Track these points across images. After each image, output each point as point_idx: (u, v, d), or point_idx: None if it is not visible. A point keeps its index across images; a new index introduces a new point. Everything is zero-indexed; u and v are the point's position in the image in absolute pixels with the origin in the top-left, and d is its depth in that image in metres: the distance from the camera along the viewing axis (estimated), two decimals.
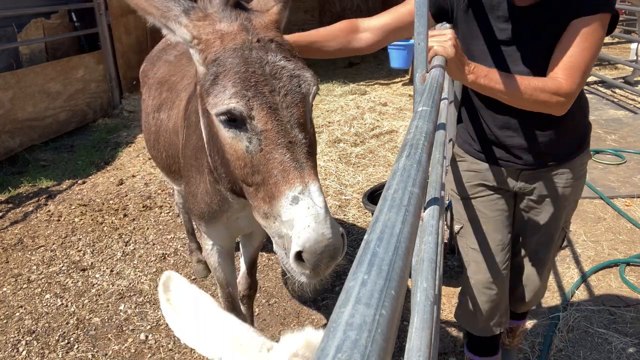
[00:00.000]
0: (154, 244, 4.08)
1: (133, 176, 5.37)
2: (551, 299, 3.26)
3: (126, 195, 4.93)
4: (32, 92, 6.14)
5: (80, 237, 4.20)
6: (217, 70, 1.37)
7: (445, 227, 3.71)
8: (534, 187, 2.08)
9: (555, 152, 1.99)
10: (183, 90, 2.35)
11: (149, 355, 2.94)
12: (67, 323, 3.21)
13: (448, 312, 3.15)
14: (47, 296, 3.46)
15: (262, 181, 1.34)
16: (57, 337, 3.08)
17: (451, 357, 2.83)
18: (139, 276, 3.66)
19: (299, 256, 1.24)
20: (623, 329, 2.99)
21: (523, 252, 2.25)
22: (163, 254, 3.94)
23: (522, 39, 1.80)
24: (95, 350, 2.98)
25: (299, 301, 3.36)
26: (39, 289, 3.54)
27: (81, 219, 4.49)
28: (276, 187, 1.30)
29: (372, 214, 3.64)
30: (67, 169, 5.62)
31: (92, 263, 3.83)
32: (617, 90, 7.84)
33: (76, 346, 3.01)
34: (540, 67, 1.77)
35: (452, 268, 3.60)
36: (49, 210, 4.66)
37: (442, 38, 1.55)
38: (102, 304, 3.38)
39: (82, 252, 3.99)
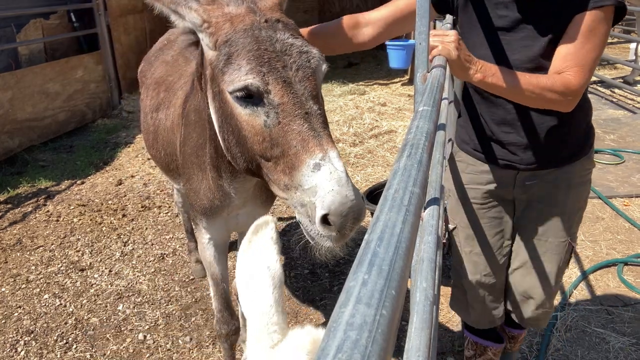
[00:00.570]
0: (152, 244, 4.08)
1: (132, 176, 5.37)
2: None
3: (125, 196, 4.93)
4: (31, 92, 6.13)
5: (79, 237, 4.20)
6: (230, 50, 1.42)
7: (445, 227, 3.71)
8: (532, 191, 2.02)
9: (553, 152, 1.94)
10: (180, 89, 2.37)
11: (147, 355, 2.94)
12: (66, 323, 3.21)
13: (447, 311, 3.16)
14: (46, 296, 3.46)
15: (282, 153, 1.39)
16: (55, 337, 3.07)
17: (449, 357, 2.83)
18: (138, 276, 3.66)
19: (324, 220, 1.28)
20: (621, 328, 2.99)
21: (526, 262, 2.14)
22: (162, 254, 3.94)
23: (521, 26, 1.77)
24: (93, 350, 2.97)
25: (297, 301, 3.36)
26: (38, 289, 3.54)
27: (80, 219, 4.48)
28: (297, 157, 1.35)
29: (372, 213, 3.64)
30: (66, 169, 5.61)
31: (90, 263, 3.83)
32: (616, 90, 7.85)
33: (75, 346, 3.01)
34: (538, 55, 1.75)
35: (450, 268, 3.60)
36: (48, 211, 4.66)
37: (445, 39, 1.54)
38: (100, 304, 3.38)
39: (80, 252, 3.98)
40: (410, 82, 8.52)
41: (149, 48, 3.48)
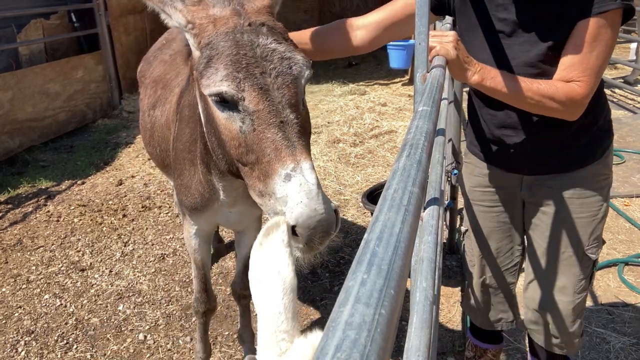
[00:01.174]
0: (153, 244, 4.08)
1: (132, 177, 5.37)
2: None
3: (125, 196, 4.93)
4: (32, 92, 6.13)
5: (80, 237, 4.20)
6: (210, 53, 1.41)
7: (445, 227, 3.71)
8: (540, 197, 1.94)
9: (557, 156, 1.86)
10: (177, 86, 2.39)
11: (148, 355, 2.94)
12: (66, 323, 3.21)
13: (447, 311, 3.16)
14: (46, 296, 3.46)
15: (256, 160, 1.39)
16: (56, 338, 3.08)
17: (450, 357, 2.83)
18: (138, 276, 3.66)
19: (292, 231, 1.27)
20: (621, 328, 2.99)
21: (539, 274, 2.03)
22: (162, 254, 3.94)
23: (520, 30, 1.72)
24: (94, 351, 2.98)
25: (298, 301, 3.36)
26: (38, 290, 3.54)
27: (80, 220, 4.48)
28: (269, 166, 1.34)
29: (372, 213, 3.63)
30: (67, 169, 5.62)
31: (91, 263, 3.83)
32: (616, 90, 7.84)
33: (75, 346, 3.01)
34: (538, 61, 1.70)
35: (451, 268, 3.60)
36: (49, 211, 4.66)
37: (444, 39, 1.53)
38: (101, 304, 3.38)
39: (81, 252, 3.99)
40: (411, 82, 8.52)
41: (150, 48, 3.49)
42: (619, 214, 4.22)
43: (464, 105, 2.41)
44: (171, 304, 3.37)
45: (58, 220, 4.49)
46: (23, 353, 2.97)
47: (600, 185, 1.90)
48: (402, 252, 0.52)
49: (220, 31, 1.43)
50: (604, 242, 2.02)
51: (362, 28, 1.93)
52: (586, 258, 1.93)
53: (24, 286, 3.58)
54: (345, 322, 0.40)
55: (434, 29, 3.97)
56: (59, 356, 2.94)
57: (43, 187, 5.14)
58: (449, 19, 3.20)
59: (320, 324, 3.12)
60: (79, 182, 5.29)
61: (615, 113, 6.88)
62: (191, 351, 2.95)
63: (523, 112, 1.80)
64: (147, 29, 8.07)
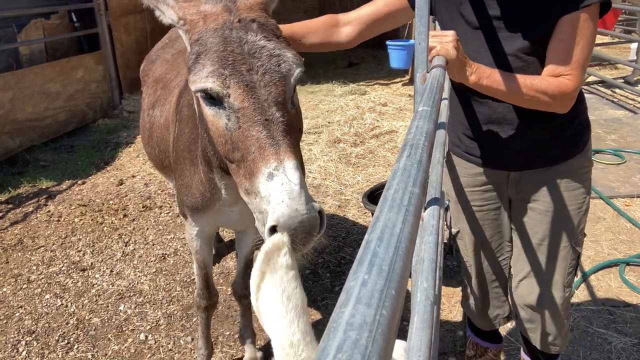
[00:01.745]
0: (153, 244, 4.08)
1: (133, 176, 5.37)
2: None
3: (126, 196, 4.93)
4: (32, 92, 6.13)
5: (80, 237, 4.20)
6: (199, 49, 1.42)
7: (445, 227, 3.71)
8: (526, 192, 1.98)
9: (542, 150, 1.91)
10: (176, 87, 2.39)
11: (149, 355, 2.94)
12: (67, 323, 3.21)
13: (448, 312, 3.16)
14: (47, 296, 3.46)
15: (242, 158, 1.38)
16: (57, 337, 3.08)
17: (451, 357, 2.83)
18: (139, 276, 3.66)
19: (273, 230, 1.26)
20: (623, 328, 2.99)
21: (529, 271, 2.05)
22: (163, 254, 3.94)
23: (505, 26, 1.75)
24: (95, 351, 2.98)
25: None
26: (39, 289, 3.54)
27: (81, 219, 4.49)
28: (254, 164, 1.34)
29: (372, 213, 3.63)
30: (67, 169, 5.62)
31: (92, 263, 3.83)
32: (617, 90, 7.84)
33: (76, 346, 3.01)
34: (524, 52, 1.74)
35: (451, 268, 3.60)
36: (49, 211, 4.66)
37: (444, 39, 1.55)
38: (101, 304, 3.38)
39: (82, 252, 3.99)
40: (411, 82, 8.51)
41: (150, 48, 3.49)
42: (620, 214, 4.22)
43: None
44: (172, 304, 3.37)
45: (59, 220, 4.49)
46: (24, 353, 2.97)
47: (584, 178, 1.98)
48: (403, 252, 0.52)
49: (209, 27, 1.43)
50: (585, 235, 2.08)
51: (348, 24, 1.96)
52: (573, 251, 1.98)
53: (25, 286, 3.58)
54: (346, 322, 0.40)
55: (434, 29, 3.97)
56: (60, 356, 2.94)
57: (43, 187, 5.14)
58: None
59: (321, 324, 3.12)
60: (79, 182, 5.29)
61: (616, 113, 6.88)
62: (192, 351, 2.95)
63: (508, 107, 1.84)
64: (147, 29, 8.07)
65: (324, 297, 3.38)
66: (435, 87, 1.18)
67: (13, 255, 3.96)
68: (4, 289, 3.56)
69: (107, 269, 3.76)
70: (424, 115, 0.98)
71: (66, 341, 3.05)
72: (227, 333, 3.12)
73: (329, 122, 6.80)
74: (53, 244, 4.10)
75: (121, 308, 3.34)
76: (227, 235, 4.17)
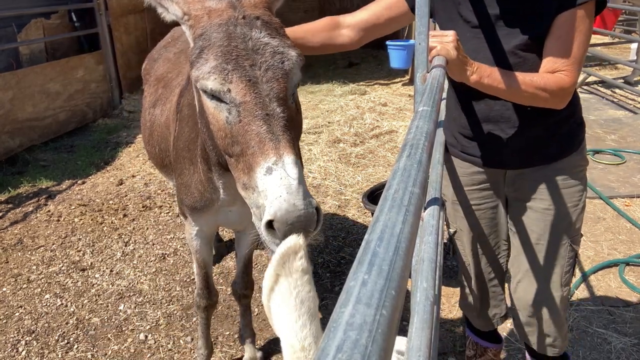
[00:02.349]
0: (153, 244, 4.08)
1: (133, 176, 5.37)
2: None
3: (126, 196, 4.93)
4: (32, 92, 6.13)
5: (80, 237, 4.20)
6: (203, 44, 1.43)
7: (445, 227, 3.71)
8: (523, 190, 1.98)
9: (538, 148, 1.91)
10: (177, 86, 2.39)
11: (149, 355, 2.94)
12: (67, 323, 3.21)
13: (447, 312, 3.16)
14: (47, 296, 3.46)
15: (241, 152, 1.39)
16: (56, 337, 3.08)
17: (450, 357, 2.83)
18: (139, 276, 3.66)
19: (270, 225, 1.26)
20: (622, 329, 2.99)
21: (527, 271, 2.03)
22: (163, 254, 3.94)
23: (503, 23, 1.77)
24: (94, 350, 2.98)
25: None
26: (39, 289, 3.54)
27: (81, 219, 4.49)
28: (253, 158, 1.34)
29: (372, 213, 3.63)
30: (67, 169, 5.62)
31: (91, 263, 3.83)
32: (617, 90, 7.84)
33: (76, 346, 3.01)
34: (520, 49, 1.75)
35: (451, 268, 3.60)
36: (49, 211, 4.66)
37: (445, 39, 1.55)
38: (101, 304, 3.38)
39: (81, 252, 3.99)
40: (411, 82, 8.51)
41: (150, 48, 3.49)
42: (620, 214, 4.22)
43: None
44: (172, 304, 3.37)
45: (59, 220, 4.49)
46: (24, 353, 2.97)
47: (579, 176, 1.97)
48: (403, 252, 0.52)
49: (214, 22, 1.44)
50: (582, 235, 2.08)
51: (347, 27, 1.97)
52: (571, 249, 1.98)
53: (25, 286, 3.58)
54: (346, 322, 0.40)
55: (434, 29, 3.97)
56: (59, 356, 2.94)
57: (43, 187, 5.14)
58: None
59: (321, 324, 3.12)
60: (79, 181, 5.29)
61: (616, 113, 6.88)
62: (192, 351, 2.95)
63: (505, 105, 1.85)
64: (147, 29, 8.07)
65: (324, 297, 3.38)
66: (435, 87, 1.18)
67: (13, 255, 3.96)
68: (4, 289, 3.56)
69: (107, 268, 3.76)
70: (424, 115, 0.98)
71: (66, 341, 3.05)
72: (227, 333, 3.12)
73: (329, 122, 6.79)
74: (53, 244, 4.10)
75: (121, 308, 3.33)
76: (227, 235, 4.17)
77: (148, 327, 3.16)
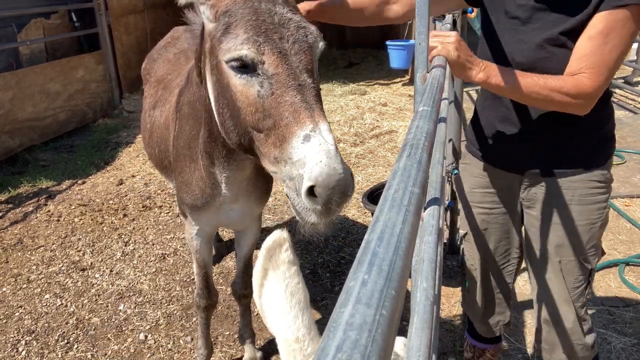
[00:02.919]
0: (153, 244, 4.08)
1: (133, 176, 5.37)
2: None
3: (126, 196, 4.93)
4: (32, 92, 6.13)
5: (80, 237, 4.20)
6: (229, 20, 1.46)
7: (445, 227, 3.71)
8: (538, 201, 1.92)
9: (557, 157, 1.84)
10: (176, 87, 2.40)
11: (149, 355, 2.94)
12: (67, 323, 3.21)
13: (447, 312, 3.16)
14: (47, 296, 3.46)
15: (274, 124, 1.40)
16: (56, 337, 3.08)
17: (450, 357, 2.83)
18: (139, 276, 3.66)
19: (310, 191, 1.28)
20: (622, 329, 2.99)
21: (534, 281, 2.02)
22: (162, 254, 3.94)
23: (538, 16, 1.71)
24: (94, 350, 2.98)
25: None
26: (39, 289, 3.54)
27: (81, 219, 4.49)
28: (287, 129, 1.35)
29: (372, 213, 3.63)
30: (67, 169, 5.62)
31: (91, 263, 3.83)
32: (617, 90, 7.84)
33: (76, 346, 3.01)
34: (550, 43, 1.69)
35: (451, 268, 3.60)
36: (49, 211, 4.66)
37: (446, 39, 1.53)
38: (101, 304, 3.38)
39: (81, 252, 3.99)
40: (411, 82, 8.52)
41: (150, 48, 3.49)
42: (620, 214, 4.22)
43: (465, 105, 2.40)
44: (172, 304, 3.37)
45: (58, 220, 4.49)
46: (24, 352, 2.97)
47: (600, 192, 1.86)
48: (403, 252, 0.52)
49: (238, 0, 1.48)
50: (603, 253, 1.98)
51: (396, 2, 2.00)
52: (581, 266, 1.90)
53: (25, 286, 3.58)
54: (346, 322, 0.40)
55: (434, 29, 3.97)
56: (59, 356, 2.94)
57: (43, 187, 5.14)
58: (449, 18, 3.21)
59: (321, 324, 3.12)
60: (79, 181, 5.29)
61: (616, 113, 6.84)
62: (192, 351, 2.95)
63: (525, 107, 1.80)
64: (147, 29, 8.07)
65: (324, 297, 3.38)
66: (435, 87, 1.18)
67: (13, 255, 3.96)
68: (4, 289, 3.56)
69: (106, 268, 3.76)
70: (424, 115, 0.98)
71: (66, 341, 3.05)
72: (227, 333, 3.12)
73: (328, 122, 6.79)
74: (53, 244, 4.10)
75: (121, 308, 3.33)
76: (227, 235, 4.17)
77: (148, 327, 3.16)
